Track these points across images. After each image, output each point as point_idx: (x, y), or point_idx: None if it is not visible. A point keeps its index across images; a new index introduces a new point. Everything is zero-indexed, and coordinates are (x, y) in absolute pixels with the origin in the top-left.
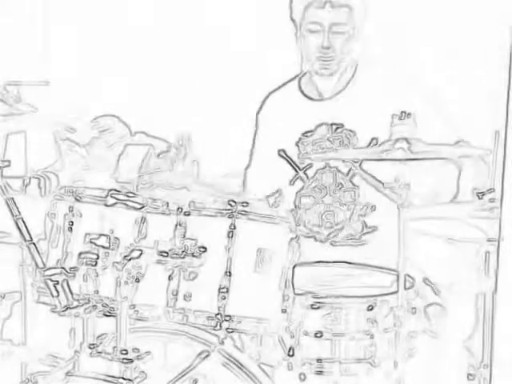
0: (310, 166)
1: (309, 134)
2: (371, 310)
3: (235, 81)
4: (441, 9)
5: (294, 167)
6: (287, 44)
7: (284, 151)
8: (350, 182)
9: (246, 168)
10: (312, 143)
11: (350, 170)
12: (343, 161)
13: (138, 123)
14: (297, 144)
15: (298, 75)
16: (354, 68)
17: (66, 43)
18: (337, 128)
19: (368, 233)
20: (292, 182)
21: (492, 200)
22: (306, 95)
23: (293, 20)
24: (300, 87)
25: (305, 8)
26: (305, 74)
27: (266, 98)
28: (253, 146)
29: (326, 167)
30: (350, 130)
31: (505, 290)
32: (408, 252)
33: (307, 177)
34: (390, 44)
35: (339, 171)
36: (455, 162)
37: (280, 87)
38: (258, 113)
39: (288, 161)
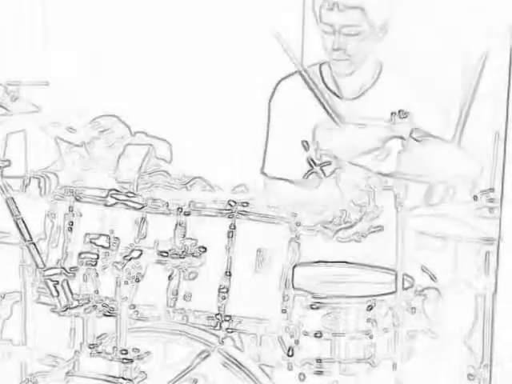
0: (329, 163)
1: None
2: (371, 309)
3: (236, 80)
4: (441, 9)
5: (310, 162)
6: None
7: (307, 142)
8: (368, 183)
9: (263, 162)
10: None
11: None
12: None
13: (138, 123)
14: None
15: (316, 63)
16: (378, 68)
17: (65, 43)
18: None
19: (374, 232)
20: (306, 177)
21: (492, 200)
22: (326, 85)
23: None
24: (321, 75)
25: (319, 8)
26: (324, 62)
27: (278, 84)
28: (267, 135)
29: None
30: None
31: (505, 290)
32: (408, 251)
33: (324, 174)
34: (390, 45)
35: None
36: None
37: (292, 74)
38: (270, 100)
39: (307, 154)
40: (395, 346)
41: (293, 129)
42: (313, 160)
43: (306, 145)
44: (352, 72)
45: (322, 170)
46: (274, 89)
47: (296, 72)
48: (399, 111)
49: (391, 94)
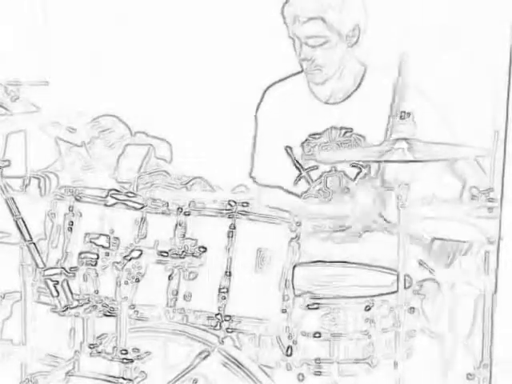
0: (316, 167)
1: (316, 136)
2: (369, 310)
3: (236, 80)
4: (441, 9)
5: (297, 167)
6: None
7: (290, 148)
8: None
9: (251, 166)
10: (319, 146)
11: (357, 175)
12: (350, 164)
13: (138, 123)
14: (302, 144)
15: (302, 70)
16: (361, 71)
17: (65, 43)
18: (346, 132)
19: (369, 231)
20: (295, 182)
21: (491, 200)
22: (312, 91)
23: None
24: (308, 82)
25: (286, 23)
26: None
27: (264, 93)
28: (254, 145)
29: (331, 170)
30: (359, 135)
31: (505, 290)
32: (408, 251)
33: (311, 178)
34: (390, 44)
35: (346, 175)
36: (459, 177)
37: (280, 81)
38: (256, 110)
39: (293, 159)
40: (395, 346)
41: (281, 135)
42: (300, 165)
43: (289, 151)
44: (325, 81)
45: (308, 175)
46: (262, 96)
47: (284, 78)
48: (401, 112)
49: (377, 96)
